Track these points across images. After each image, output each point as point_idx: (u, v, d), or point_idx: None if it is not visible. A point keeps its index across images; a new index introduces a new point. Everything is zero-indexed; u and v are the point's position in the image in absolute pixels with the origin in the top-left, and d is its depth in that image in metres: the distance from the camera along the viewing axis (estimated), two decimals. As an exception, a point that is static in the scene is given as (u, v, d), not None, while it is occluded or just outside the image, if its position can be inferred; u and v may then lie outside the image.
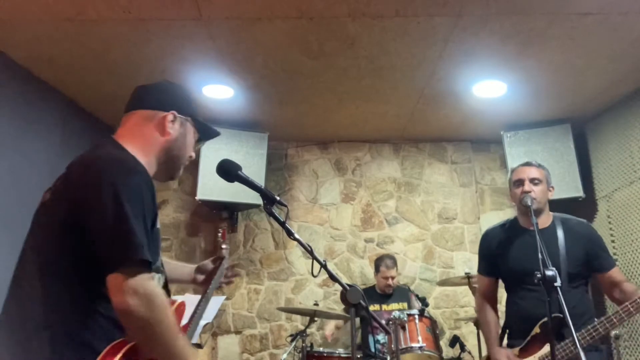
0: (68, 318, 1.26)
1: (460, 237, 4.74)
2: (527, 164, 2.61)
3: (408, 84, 3.75)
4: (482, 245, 2.74)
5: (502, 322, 2.69)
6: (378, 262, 4.20)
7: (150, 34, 3.05)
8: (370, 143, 4.95)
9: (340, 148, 4.96)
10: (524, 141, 4.37)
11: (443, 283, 4.23)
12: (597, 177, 4.26)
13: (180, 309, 1.51)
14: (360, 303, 1.56)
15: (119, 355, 1.23)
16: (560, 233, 2.49)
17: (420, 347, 3.19)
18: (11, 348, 1.28)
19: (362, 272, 4.65)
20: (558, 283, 1.88)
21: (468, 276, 3.74)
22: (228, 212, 4.67)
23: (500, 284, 2.70)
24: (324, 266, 1.63)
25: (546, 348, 2.33)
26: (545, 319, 2.29)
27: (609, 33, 3.05)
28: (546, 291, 1.91)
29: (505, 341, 2.61)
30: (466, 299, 4.50)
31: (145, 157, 1.46)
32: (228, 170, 1.66)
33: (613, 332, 3.51)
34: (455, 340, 3.75)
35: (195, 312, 1.71)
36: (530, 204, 2.40)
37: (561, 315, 1.87)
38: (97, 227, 1.26)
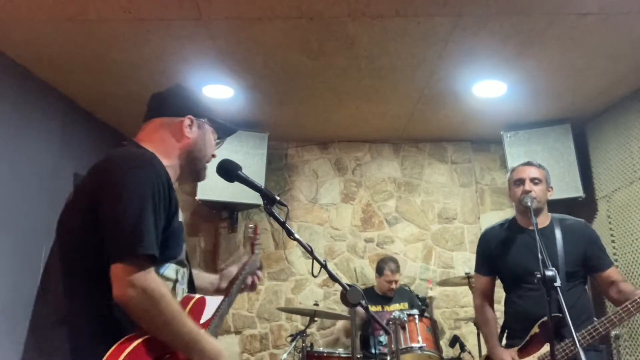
0: (84, 312, 1.29)
1: (460, 237, 4.74)
2: (528, 163, 2.61)
3: (408, 84, 3.74)
4: (481, 244, 2.74)
5: (500, 321, 2.69)
6: (381, 265, 4.15)
7: (150, 34, 3.05)
8: (370, 143, 4.95)
9: (340, 148, 4.96)
10: (524, 141, 4.37)
11: (443, 283, 4.23)
12: (597, 177, 4.26)
13: (198, 305, 1.51)
14: (361, 303, 1.56)
15: (130, 348, 1.25)
16: (558, 233, 2.49)
17: (420, 347, 3.19)
18: (33, 341, 1.34)
19: (362, 272, 4.65)
20: (558, 283, 1.88)
21: (468, 276, 3.74)
22: (228, 212, 4.67)
23: (499, 283, 2.70)
24: (324, 266, 1.62)
25: (545, 348, 2.33)
26: (545, 319, 2.30)
27: (609, 33, 3.05)
28: (546, 291, 1.91)
29: (504, 341, 2.62)
30: (466, 299, 4.50)
31: (167, 161, 1.50)
32: (228, 170, 1.67)
33: (613, 332, 3.53)
34: (455, 340, 3.75)
35: (216, 312, 1.71)
36: (530, 204, 2.40)
37: (560, 315, 1.87)
38: (105, 219, 1.30)
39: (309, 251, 1.60)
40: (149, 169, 1.37)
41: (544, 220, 2.55)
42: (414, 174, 4.91)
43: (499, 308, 2.70)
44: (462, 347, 3.74)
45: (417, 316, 3.34)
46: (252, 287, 1.94)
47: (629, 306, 2.21)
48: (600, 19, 2.92)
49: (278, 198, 1.63)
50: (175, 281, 1.47)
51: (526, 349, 2.41)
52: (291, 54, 3.31)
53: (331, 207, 4.82)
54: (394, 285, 4.08)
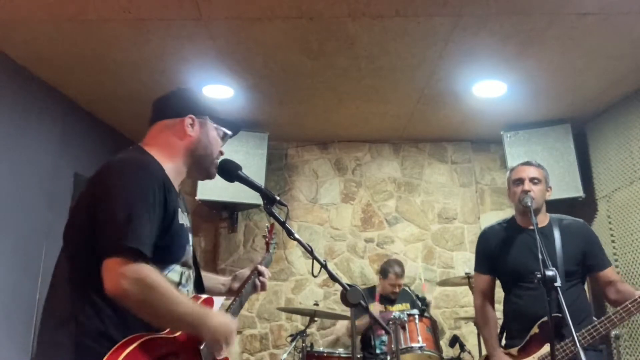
0: (89, 310, 1.31)
1: (460, 237, 4.74)
2: (527, 163, 2.61)
3: (408, 84, 3.74)
4: (480, 244, 2.74)
5: (500, 321, 2.69)
6: (387, 268, 4.11)
7: (150, 34, 3.05)
8: (370, 143, 4.95)
9: (340, 148, 4.96)
10: (524, 141, 4.37)
11: (443, 283, 4.23)
12: (597, 177, 4.26)
13: (206, 304, 1.52)
14: (361, 303, 1.56)
15: (134, 345, 1.26)
16: (556, 232, 2.49)
17: (420, 347, 3.18)
18: (41, 340, 1.37)
19: (362, 272, 4.65)
20: (558, 283, 1.88)
21: (468, 276, 3.74)
22: (228, 212, 4.67)
23: (499, 283, 2.70)
24: (324, 266, 1.62)
25: (545, 348, 2.33)
26: (545, 319, 2.30)
27: (609, 33, 3.05)
28: (546, 291, 1.91)
29: (503, 341, 2.62)
30: (466, 299, 4.50)
31: (172, 162, 1.53)
32: (228, 170, 1.67)
33: (613, 332, 3.53)
34: (455, 340, 3.75)
35: (226, 311, 1.71)
36: (530, 204, 2.40)
37: (560, 315, 1.87)
38: (99, 219, 1.32)
39: (309, 251, 1.60)
40: (142, 171, 1.40)
41: (542, 220, 2.55)
42: (414, 174, 4.91)
43: (499, 308, 2.70)
44: (462, 347, 3.74)
45: (417, 316, 3.33)
46: (263, 287, 1.93)
47: (630, 306, 2.21)
48: (600, 19, 2.92)
49: (278, 198, 1.64)
50: (178, 284, 1.47)
51: (526, 349, 2.41)
52: (291, 54, 3.31)
53: (331, 207, 4.82)
54: (397, 289, 4.07)
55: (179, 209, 1.49)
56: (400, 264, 4.15)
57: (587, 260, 2.47)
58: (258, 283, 1.91)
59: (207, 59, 3.36)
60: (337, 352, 3.50)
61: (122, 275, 1.24)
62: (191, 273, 1.56)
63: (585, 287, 2.58)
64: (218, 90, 3.80)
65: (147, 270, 1.28)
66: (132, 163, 1.43)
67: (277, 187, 4.81)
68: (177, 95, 1.67)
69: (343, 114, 4.32)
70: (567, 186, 4.14)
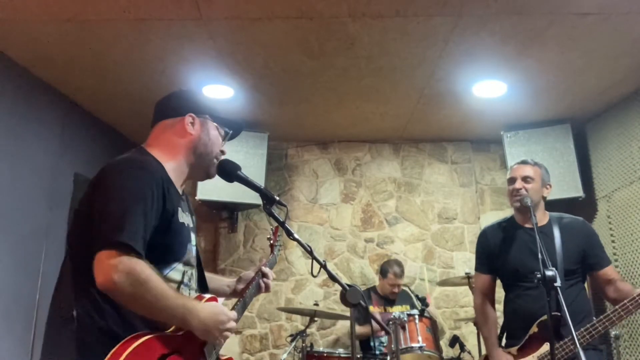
0: (92, 308, 1.33)
1: (460, 237, 4.74)
2: (522, 162, 2.63)
3: (408, 84, 3.74)
4: (480, 243, 2.74)
5: (500, 321, 2.69)
6: (386, 267, 4.12)
7: (150, 34, 3.05)
8: (370, 143, 4.95)
9: (340, 148, 4.96)
10: (524, 141, 4.37)
11: (443, 283, 4.23)
12: (597, 177, 4.26)
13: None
14: (360, 303, 1.56)
15: (137, 343, 1.26)
16: (556, 231, 2.50)
17: (420, 347, 3.18)
18: (46, 337, 1.39)
19: (362, 272, 4.65)
20: (558, 283, 1.89)
21: (468, 276, 3.74)
22: (228, 212, 4.67)
23: (499, 283, 2.70)
24: (323, 266, 1.62)
25: (545, 347, 2.33)
26: (544, 318, 2.30)
27: (609, 33, 3.05)
28: (546, 291, 1.91)
29: (503, 340, 2.62)
30: (466, 299, 4.50)
31: (173, 161, 1.55)
32: (228, 171, 1.67)
33: (613, 333, 3.52)
34: (455, 340, 3.75)
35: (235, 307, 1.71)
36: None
37: (560, 314, 1.88)
38: (95, 214, 1.34)
39: (309, 251, 1.61)
40: (139, 170, 1.41)
41: (542, 218, 2.55)
42: (414, 174, 4.91)
43: (499, 308, 2.70)
44: (462, 347, 3.74)
45: (417, 316, 3.33)
46: (267, 288, 1.94)
47: (628, 304, 2.21)
48: (600, 19, 2.92)
49: (277, 198, 1.64)
50: (180, 283, 1.48)
51: (525, 348, 2.41)
52: (291, 54, 3.31)
53: (331, 207, 4.82)
54: (396, 290, 4.07)
55: (180, 208, 1.50)
56: (400, 264, 4.15)
57: (586, 259, 2.47)
58: (262, 284, 1.91)
59: (207, 59, 3.36)
60: (337, 352, 3.50)
61: (113, 268, 1.25)
62: (194, 272, 1.56)
63: (585, 285, 2.58)
64: (218, 90, 3.80)
65: (138, 264, 1.28)
66: (129, 163, 1.44)
67: (277, 187, 4.81)
68: (178, 95, 1.69)
69: (343, 114, 4.32)
70: (567, 186, 4.14)
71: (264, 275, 1.91)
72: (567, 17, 2.91)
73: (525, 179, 2.52)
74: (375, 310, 4.04)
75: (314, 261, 1.61)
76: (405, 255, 4.67)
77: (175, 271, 1.46)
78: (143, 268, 1.28)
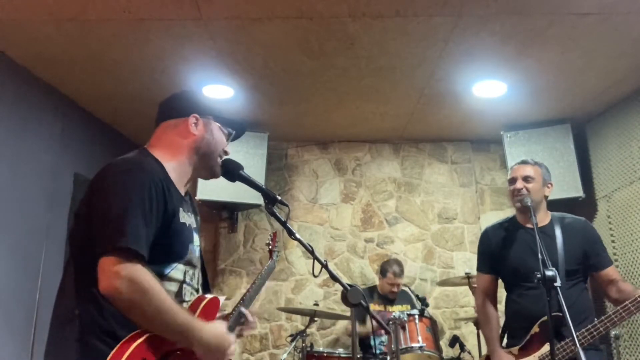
0: (93, 309, 1.32)
1: (460, 237, 4.74)
2: (522, 162, 2.63)
3: (408, 84, 3.75)
4: (482, 243, 2.74)
5: (501, 320, 2.69)
6: (385, 267, 4.13)
7: (150, 34, 3.05)
8: (370, 143, 4.95)
9: (340, 148, 4.96)
10: (524, 141, 4.37)
11: (443, 283, 4.23)
12: (597, 177, 4.26)
13: (212, 305, 1.51)
14: (361, 303, 1.55)
15: (138, 342, 1.26)
16: (558, 231, 2.50)
17: (420, 347, 3.18)
18: (50, 338, 1.39)
19: (362, 272, 4.65)
20: (558, 283, 1.89)
21: (468, 276, 3.74)
22: (228, 212, 4.67)
23: (500, 283, 2.70)
24: (324, 266, 1.62)
25: (546, 347, 2.33)
26: (545, 318, 2.30)
27: (609, 33, 3.05)
28: (546, 291, 1.91)
29: (504, 340, 2.62)
30: (466, 299, 4.50)
31: (175, 161, 1.54)
32: (230, 170, 1.68)
33: (613, 333, 3.52)
34: (455, 340, 3.75)
35: (231, 314, 1.71)
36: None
37: (561, 314, 1.88)
38: (96, 217, 1.34)
39: (310, 251, 1.60)
40: (139, 172, 1.40)
41: (544, 218, 2.56)
42: (414, 174, 4.91)
43: (500, 308, 2.70)
44: (462, 347, 3.74)
45: (417, 316, 3.33)
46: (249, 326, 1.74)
47: (630, 305, 2.21)
48: (600, 19, 2.92)
49: (279, 198, 1.64)
50: (182, 282, 1.47)
51: (527, 348, 2.41)
52: (291, 54, 3.31)
53: (331, 207, 4.82)
54: (395, 289, 4.07)
55: (181, 209, 1.49)
56: (399, 263, 4.15)
57: (588, 259, 2.47)
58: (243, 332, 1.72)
59: (207, 59, 3.36)
60: (337, 352, 3.50)
61: (116, 274, 1.24)
62: (196, 272, 1.55)
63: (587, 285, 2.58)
64: (218, 90, 3.80)
65: (142, 272, 1.28)
66: (128, 164, 1.44)
67: (277, 187, 4.81)
68: (181, 96, 1.69)
69: (343, 114, 4.32)
70: (567, 186, 4.14)
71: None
72: (567, 17, 2.91)
73: (526, 178, 2.52)
74: (375, 308, 4.04)
75: (315, 261, 1.61)
76: (405, 255, 4.67)
77: (176, 270, 1.45)
78: (147, 277, 1.28)
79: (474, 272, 3.10)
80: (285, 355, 3.51)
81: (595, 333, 2.23)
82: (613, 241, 3.97)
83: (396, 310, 4.02)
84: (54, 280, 3.35)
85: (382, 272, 4.15)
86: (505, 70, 3.52)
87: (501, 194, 4.83)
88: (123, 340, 1.25)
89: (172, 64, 3.40)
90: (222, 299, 1.56)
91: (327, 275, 1.64)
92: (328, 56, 3.34)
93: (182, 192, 1.56)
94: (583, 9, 2.83)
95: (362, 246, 4.72)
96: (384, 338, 3.84)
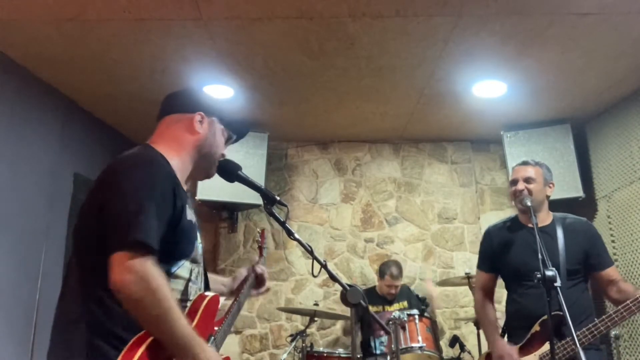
0: (99, 309, 1.30)
1: (460, 237, 4.74)
2: (524, 163, 2.63)
3: (408, 84, 3.75)
4: (484, 241, 2.75)
5: (501, 321, 2.69)
6: (384, 269, 4.13)
7: (150, 34, 3.05)
8: (370, 143, 4.95)
9: (340, 148, 4.96)
10: (524, 141, 4.37)
11: (443, 283, 4.23)
12: (597, 177, 4.26)
13: (213, 303, 1.51)
14: (361, 303, 1.55)
15: (145, 344, 1.25)
16: (559, 231, 2.50)
17: (420, 347, 3.19)
18: (53, 339, 1.37)
19: (362, 272, 4.65)
20: (558, 283, 1.89)
21: (468, 276, 3.75)
22: (228, 212, 4.67)
23: (500, 283, 2.71)
24: (324, 266, 1.62)
25: (546, 346, 2.33)
26: (545, 317, 2.30)
27: (609, 33, 3.05)
28: (546, 290, 1.91)
29: (505, 339, 2.62)
30: (466, 299, 4.50)
31: (178, 157, 1.53)
32: (228, 170, 1.68)
33: (613, 332, 3.52)
34: (455, 340, 3.75)
35: (227, 312, 1.71)
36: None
37: (561, 313, 1.88)
38: (107, 216, 1.32)
39: (309, 251, 1.60)
40: (149, 166, 1.39)
41: (545, 218, 2.56)
42: (414, 174, 4.91)
43: (500, 308, 2.71)
44: (462, 347, 3.74)
45: (417, 316, 3.34)
46: (262, 282, 1.95)
47: (631, 305, 2.22)
48: (600, 19, 2.92)
49: (278, 198, 1.64)
50: (188, 280, 1.47)
51: (527, 346, 2.42)
52: (291, 54, 3.31)
53: (331, 207, 4.82)
54: (394, 290, 4.07)
55: (187, 205, 1.49)
56: (398, 265, 4.15)
57: (589, 259, 2.47)
58: (258, 272, 1.92)
59: (207, 59, 3.36)
60: (337, 352, 3.50)
61: (128, 269, 1.23)
62: (200, 270, 1.55)
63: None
64: (218, 90, 3.80)
65: (154, 270, 1.26)
66: (138, 158, 1.43)
67: (277, 187, 4.81)
68: (189, 92, 1.69)
69: (343, 114, 4.32)
70: (567, 186, 4.14)
71: (256, 271, 1.92)
72: (567, 17, 2.91)
73: (527, 180, 2.53)
74: (372, 310, 4.04)
75: (315, 261, 1.61)
76: (405, 255, 4.67)
77: (183, 268, 1.45)
78: (159, 278, 1.26)
79: (474, 272, 3.11)
80: (285, 355, 3.51)
81: (595, 332, 2.23)
82: (613, 241, 3.97)
83: (394, 308, 4.03)
84: (54, 280, 3.36)
85: (381, 273, 4.16)
86: (505, 70, 3.52)
87: (501, 194, 4.83)
88: (131, 342, 1.24)
89: (172, 64, 3.40)
90: (222, 298, 1.56)
91: (327, 275, 1.64)
92: (328, 56, 3.34)
93: (185, 188, 1.56)
94: (583, 9, 2.83)
95: (362, 246, 4.72)
96: (384, 339, 3.84)
